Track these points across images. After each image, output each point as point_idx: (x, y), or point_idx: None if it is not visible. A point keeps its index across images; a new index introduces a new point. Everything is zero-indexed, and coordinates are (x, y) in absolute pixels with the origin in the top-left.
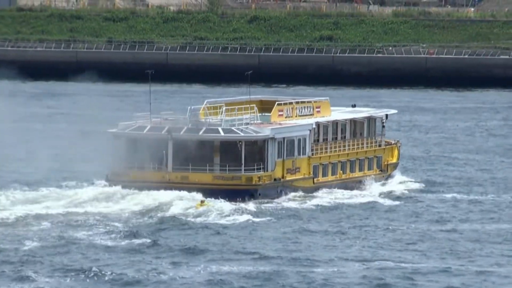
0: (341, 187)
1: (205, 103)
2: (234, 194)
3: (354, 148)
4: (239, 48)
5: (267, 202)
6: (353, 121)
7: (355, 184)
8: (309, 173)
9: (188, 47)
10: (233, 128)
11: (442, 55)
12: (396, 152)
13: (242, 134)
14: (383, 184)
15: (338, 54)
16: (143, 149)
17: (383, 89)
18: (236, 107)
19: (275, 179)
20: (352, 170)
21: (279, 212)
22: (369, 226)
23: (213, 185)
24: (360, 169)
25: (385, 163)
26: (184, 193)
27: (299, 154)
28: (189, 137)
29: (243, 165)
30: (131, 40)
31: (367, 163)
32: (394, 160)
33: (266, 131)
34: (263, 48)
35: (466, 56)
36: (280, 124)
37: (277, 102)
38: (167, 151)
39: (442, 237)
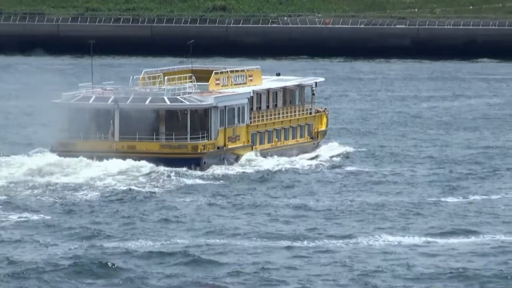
0: (277, 154)
1: (143, 72)
2: (180, 162)
3: (288, 116)
4: (131, 19)
5: (212, 170)
6: (286, 89)
7: (289, 152)
8: (248, 141)
9: (80, 19)
10: (178, 97)
11: (338, 25)
12: (324, 120)
13: (187, 103)
14: (313, 152)
15: (232, 25)
16: (89, 119)
17: (279, 60)
18: (176, 76)
19: (218, 147)
20: (286, 138)
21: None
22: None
23: (159, 154)
24: (293, 137)
25: (315, 130)
26: (131, 162)
27: (238, 122)
28: (135, 107)
29: (188, 134)
30: (21, 11)
31: (299, 130)
32: (323, 128)
33: (209, 100)
34: (156, 19)
35: (362, 26)
36: (220, 92)
37: (214, 71)
38: (114, 120)
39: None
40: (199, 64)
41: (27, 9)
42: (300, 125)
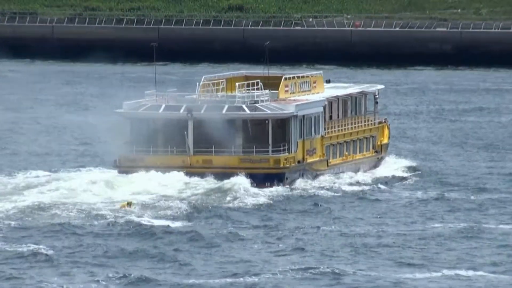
0: (349, 170)
1: (202, 79)
2: (262, 178)
3: (357, 127)
4: (136, 20)
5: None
6: (352, 97)
7: (358, 167)
8: (323, 154)
9: (77, 19)
10: (257, 105)
11: (369, 28)
12: (386, 132)
13: (269, 111)
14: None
15: (249, 27)
16: (159, 130)
17: (302, 66)
18: (243, 83)
19: (298, 162)
20: (354, 151)
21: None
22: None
23: (239, 169)
24: (360, 151)
25: (379, 143)
26: (207, 178)
27: (315, 133)
28: (211, 116)
29: (270, 146)
30: (10, 10)
31: (365, 143)
32: (386, 141)
33: (290, 108)
34: (163, 20)
35: (397, 29)
36: (295, 100)
37: (284, 77)
38: (187, 132)
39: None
40: (209, 70)
41: (17, 8)
42: (366, 137)
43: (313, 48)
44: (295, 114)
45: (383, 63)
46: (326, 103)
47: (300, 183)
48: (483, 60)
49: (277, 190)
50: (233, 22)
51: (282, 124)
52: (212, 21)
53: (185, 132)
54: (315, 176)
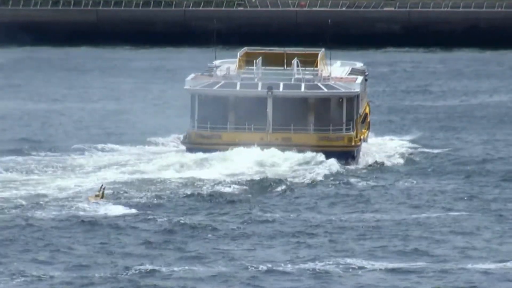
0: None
1: (243, 51)
2: (337, 155)
3: (366, 104)
4: (73, 1)
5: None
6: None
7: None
8: (362, 132)
9: (11, 1)
10: (329, 83)
11: (315, 8)
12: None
13: (343, 90)
14: None
15: (191, 8)
16: (233, 107)
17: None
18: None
19: (360, 139)
20: (363, 128)
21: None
22: None
23: (317, 147)
24: (363, 128)
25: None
26: (288, 154)
27: (358, 112)
28: (291, 94)
29: (344, 125)
30: None
31: (366, 121)
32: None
33: (356, 86)
34: (102, 2)
35: (344, 9)
36: (342, 78)
37: (319, 53)
38: (267, 109)
39: None
40: (151, 55)
41: None
42: (367, 114)
43: (257, 29)
44: (359, 92)
45: (329, 44)
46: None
47: (362, 160)
48: (431, 41)
49: (356, 167)
50: (174, 3)
51: (351, 102)
52: (152, 2)
53: (267, 110)
54: (364, 154)
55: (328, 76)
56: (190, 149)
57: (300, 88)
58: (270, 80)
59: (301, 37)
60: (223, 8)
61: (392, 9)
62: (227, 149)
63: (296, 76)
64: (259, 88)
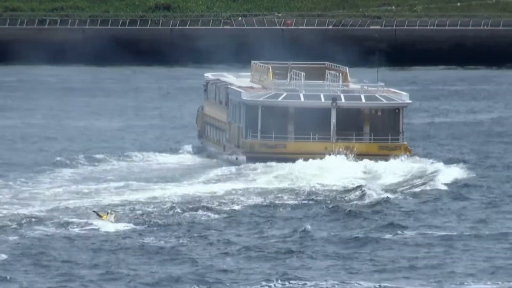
0: None
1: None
2: None
3: None
4: (59, 20)
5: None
6: None
7: None
8: None
9: None
10: (385, 94)
11: (302, 26)
12: None
13: (399, 101)
14: None
15: (177, 27)
16: (295, 118)
17: (232, 67)
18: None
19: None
20: None
21: None
22: None
23: (377, 156)
24: None
25: None
26: (350, 163)
27: None
28: (353, 105)
29: (401, 134)
30: None
31: None
32: None
33: (407, 98)
34: (88, 21)
35: (331, 27)
36: (391, 91)
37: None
38: (331, 120)
39: None
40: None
41: None
42: None
43: (243, 48)
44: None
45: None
46: None
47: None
48: (417, 59)
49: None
50: (160, 21)
51: (404, 113)
52: (138, 21)
53: (331, 120)
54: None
55: (374, 89)
56: (252, 159)
57: (361, 99)
58: (314, 91)
59: (287, 56)
60: (210, 27)
61: (379, 27)
62: (292, 159)
63: (341, 88)
64: (322, 100)
